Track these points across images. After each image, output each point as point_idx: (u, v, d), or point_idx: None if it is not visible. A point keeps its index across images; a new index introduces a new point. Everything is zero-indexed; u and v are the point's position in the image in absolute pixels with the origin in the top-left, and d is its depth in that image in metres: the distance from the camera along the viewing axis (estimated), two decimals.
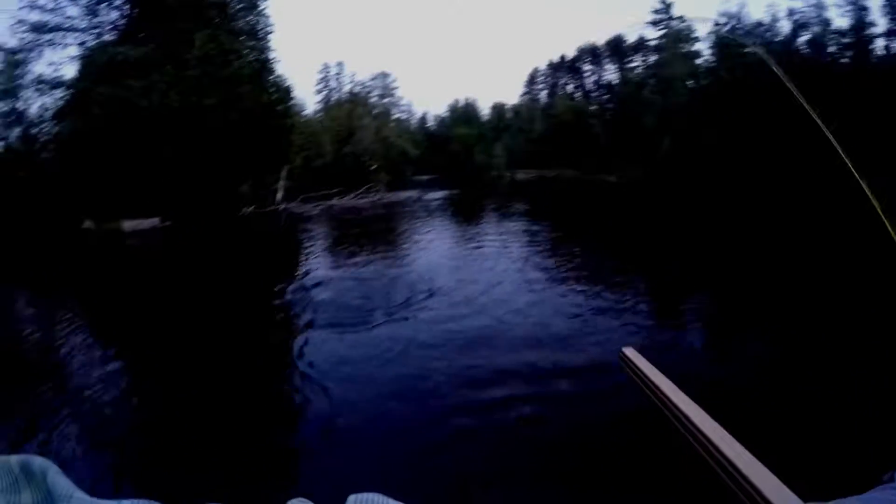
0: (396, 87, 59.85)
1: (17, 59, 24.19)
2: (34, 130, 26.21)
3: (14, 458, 0.35)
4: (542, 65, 66.07)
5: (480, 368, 4.90)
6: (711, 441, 1.15)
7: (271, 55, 27.60)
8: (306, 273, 9.65)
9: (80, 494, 0.32)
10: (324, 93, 54.99)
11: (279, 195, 26.84)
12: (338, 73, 55.75)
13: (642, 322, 6.18)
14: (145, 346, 6.28)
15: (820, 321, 5.87)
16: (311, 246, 12.93)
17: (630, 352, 1.57)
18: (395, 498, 0.41)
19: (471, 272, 8.85)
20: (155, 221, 19.43)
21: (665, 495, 2.78)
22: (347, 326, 6.20)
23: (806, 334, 5.58)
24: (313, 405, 4.38)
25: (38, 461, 0.35)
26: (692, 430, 1.21)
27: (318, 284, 8.60)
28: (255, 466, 3.57)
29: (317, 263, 10.54)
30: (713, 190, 24.30)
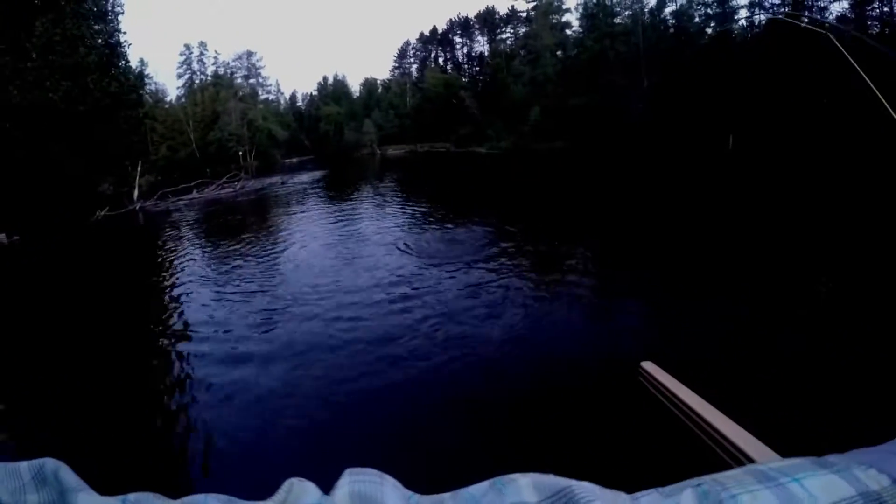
0: (263, 67, 57.52)
1: None
2: None
3: (24, 465, 0.37)
4: (413, 38, 66.12)
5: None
6: (740, 448, 1.13)
7: (122, 38, 26.33)
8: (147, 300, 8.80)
9: (87, 493, 0.34)
10: (186, 76, 52.59)
11: (135, 193, 25.33)
12: (200, 55, 53.14)
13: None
14: None
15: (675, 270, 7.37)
16: (157, 260, 12.05)
17: (650, 366, 1.60)
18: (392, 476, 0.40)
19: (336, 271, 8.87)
20: (1, 238, 17.42)
21: None
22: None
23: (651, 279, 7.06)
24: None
25: (50, 463, 0.38)
26: (720, 439, 1.19)
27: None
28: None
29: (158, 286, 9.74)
30: (578, 155, 26.67)
